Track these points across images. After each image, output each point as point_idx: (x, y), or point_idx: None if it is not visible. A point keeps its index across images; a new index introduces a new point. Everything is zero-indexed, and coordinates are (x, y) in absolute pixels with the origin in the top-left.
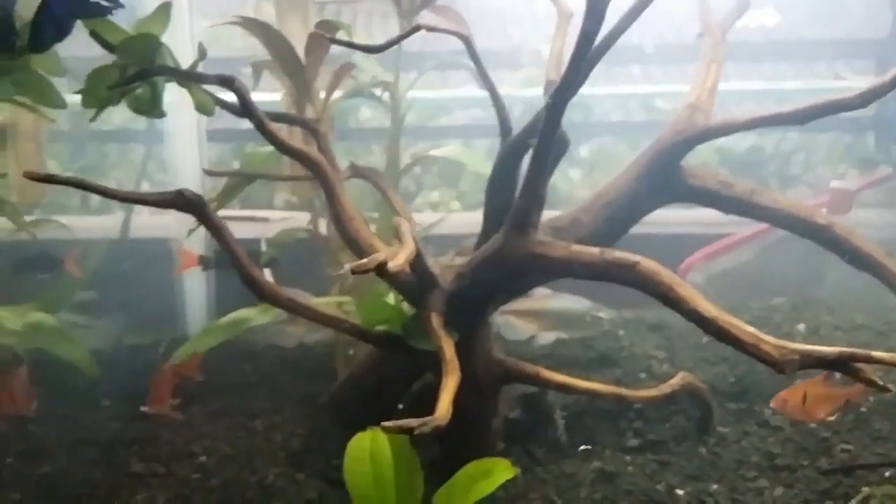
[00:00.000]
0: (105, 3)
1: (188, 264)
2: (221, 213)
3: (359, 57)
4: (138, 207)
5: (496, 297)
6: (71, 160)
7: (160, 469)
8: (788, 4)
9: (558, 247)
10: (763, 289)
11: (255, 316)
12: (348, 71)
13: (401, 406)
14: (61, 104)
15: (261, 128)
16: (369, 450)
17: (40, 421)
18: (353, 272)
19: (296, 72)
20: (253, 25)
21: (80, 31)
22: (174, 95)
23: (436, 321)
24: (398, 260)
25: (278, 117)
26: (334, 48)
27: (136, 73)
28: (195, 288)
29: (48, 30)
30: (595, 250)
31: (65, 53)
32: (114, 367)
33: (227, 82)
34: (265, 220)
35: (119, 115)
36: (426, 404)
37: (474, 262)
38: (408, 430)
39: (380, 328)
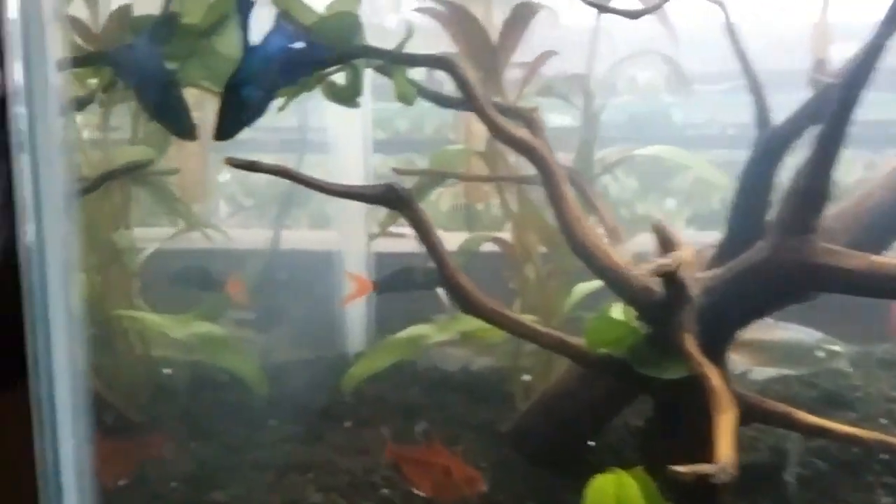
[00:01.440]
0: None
1: (362, 291)
2: None
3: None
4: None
5: (751, 316)
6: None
7: (341, 502)
8: None
9: (854, 257)
10: None
11: (433, 333)
12: (545, 59)
13: (592, 443)
14: None
15: (481, 113)
16: (614, 496)
17: (206, 439)
18: (656, 274)
19: (489, 62)
20: (447, 9)
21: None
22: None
23: (690, 343)
24: (686, 259)
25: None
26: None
27: (338, 54)
28: (357, 305)
29: (237, 115)
30: None
31: None
32: (277, 384)
33: (446, 64)
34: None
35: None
36: (668, 442)
37: (730, 274)
38: (690, 476)
39: (602, 351)
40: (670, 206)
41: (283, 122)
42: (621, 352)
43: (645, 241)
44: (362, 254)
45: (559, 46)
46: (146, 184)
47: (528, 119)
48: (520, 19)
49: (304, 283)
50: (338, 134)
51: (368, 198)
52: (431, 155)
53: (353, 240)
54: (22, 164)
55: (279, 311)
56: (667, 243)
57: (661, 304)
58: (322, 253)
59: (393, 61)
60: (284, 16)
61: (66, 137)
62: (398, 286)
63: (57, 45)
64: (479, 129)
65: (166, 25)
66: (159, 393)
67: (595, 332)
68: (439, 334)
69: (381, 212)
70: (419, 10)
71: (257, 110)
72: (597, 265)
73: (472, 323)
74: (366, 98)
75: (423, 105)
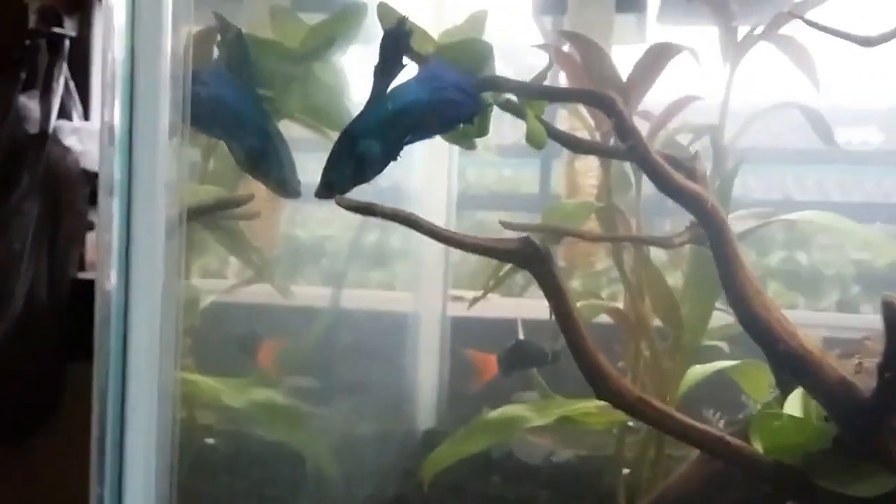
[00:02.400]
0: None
1: (489, 372)
2: None
3: None
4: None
5: None
6: None
7: None
8: None
9: None
10: None
11: (531, 416)
12: (686, 104)
13: None
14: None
15: (645, 159)
16: None
17: None
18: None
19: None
20: (573, 45)
21: None
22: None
23: None
24: None
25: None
26: None
27: (479, 82)
28: (428, 374)
29: (349, 170)
30: None
31: None
32: (339, 464)
33: (603, 101)
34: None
35: None
36: None
37: None
38: None
39: (771, 457)
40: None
41: None
42: (794, 459)
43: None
44: (438, 317)
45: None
46: (216, 228)
47: (689, 169)
48: (656, 60)
49: (372, 349)
50: (422, 186)
51: (500, 253)
52: (544, 210)
53: (429, 303)
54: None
55: (343, 379)
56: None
57: (866, 404)
58: (395, 315)
59: (538, 96)
60: (441, 60)
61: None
62: (516, 364)
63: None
64: (585, 181)
65: (238, 45)
66: (199, 465)
67: (772, 434)
68: (538, 417)
69: (462, 272)
70: (539, 46)
71: (374, 168)
72: (778, 348)
73: (574, 406)
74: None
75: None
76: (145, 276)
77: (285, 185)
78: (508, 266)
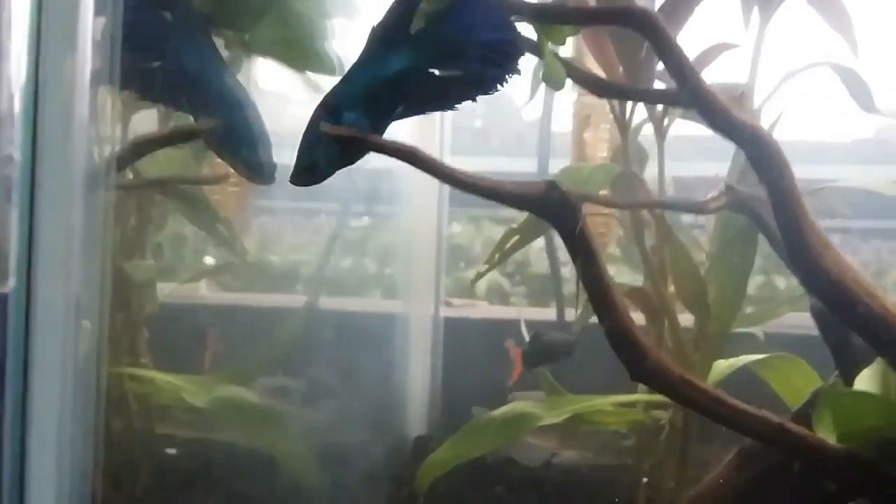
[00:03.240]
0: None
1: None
2: None
3: None
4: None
5: None
6: None
7: None
8: None
9: None
10: None
11: (542, 414)
12: (717, 54)
13: None
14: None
15: (697, 87)
16: None
17: None
18: None
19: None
20: None
21: None
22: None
23: None
24: None
25: None
26: None
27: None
28: (419, 376)
29: (330, 151)
30: None
31: None
32: (325, 472)
33: (644, 21)
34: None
35: None
36: None
37: None
38: None
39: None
40: None
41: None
42: (870, 446)
43: None
44: (430, 318)
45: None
46: (177, 196)
47: (739, 109)
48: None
49: (355, 351)
50: (410, 180)
51: (519, 198)
52: (557, 173)
53: (420, 304)
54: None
55: (328, 380)
56: None
57: None
58: (382, 315)
59: (561, 20)
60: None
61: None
62: (541, 358)
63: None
64: (595, 154)
65: None
66: (161, 479)
67: (845, 415)
68: (549, 415)
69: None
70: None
71: (358, 149)
72: (857, 311)
73: (588, 403)
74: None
75: None
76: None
77: (258, 168)
78: (515, 238)
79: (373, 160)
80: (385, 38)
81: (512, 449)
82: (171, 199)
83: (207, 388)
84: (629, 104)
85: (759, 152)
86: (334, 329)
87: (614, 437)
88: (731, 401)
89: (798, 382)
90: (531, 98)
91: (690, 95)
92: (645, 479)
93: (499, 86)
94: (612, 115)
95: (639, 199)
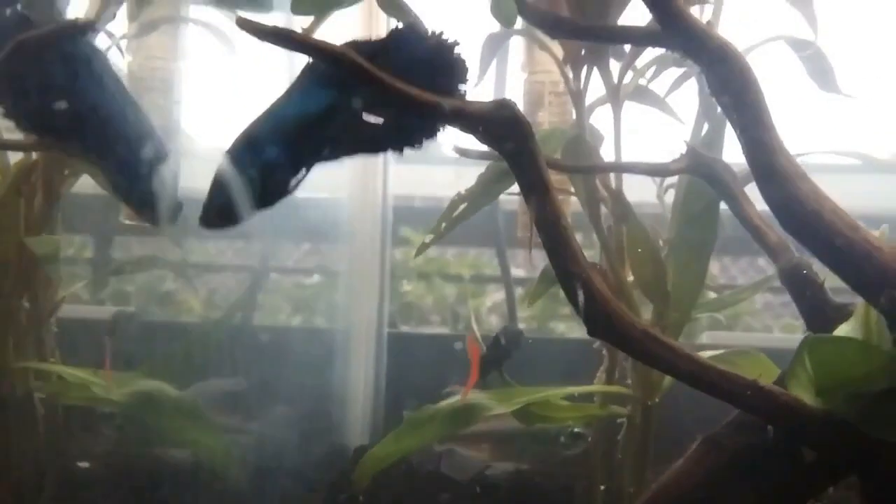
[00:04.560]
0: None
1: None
2: None
3: None
4: None
5: None
6: None
7: None
8: None
9: None
10: None
11: (492, 404)
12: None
13: None
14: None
15: None
16: None
17: None
18: None
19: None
20: None
21: None
22: None
23: None
24: None
25: None
26: None
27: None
28: (361, 389)
29: (246, 190)
30: None
31: None
32: (255, 477)
33: None
34: None
35: None
36: None
37: None
38: None
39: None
40: None
41: None
42: (852, 402)
43: None
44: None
45: None
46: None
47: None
48: None
49: (294, 362)
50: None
51: (472, 117)
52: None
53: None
54: None
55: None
56: None
57: None
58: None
59: None
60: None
61: None
62: (500, 358)
63: None
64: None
65: None
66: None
67: (825, 363)
68: (500, 405)
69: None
70: None
71: (279, 187)
72: (836, 243)
73: (541, 394)
74: None
75: None
76: None
77: (148, 210)
78: (461, 208)
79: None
80: (317, 73)
81: (442, 461)
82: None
83: (123, 384)
84: (582, 77)
85: (726, 67)
86: (267, 341)
87: (552, 447)
88: (699, 358)
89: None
90: (481, 77)
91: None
92: (602, 487)
93: (426, 140)
94: (566, 89)
95: (595, 163)
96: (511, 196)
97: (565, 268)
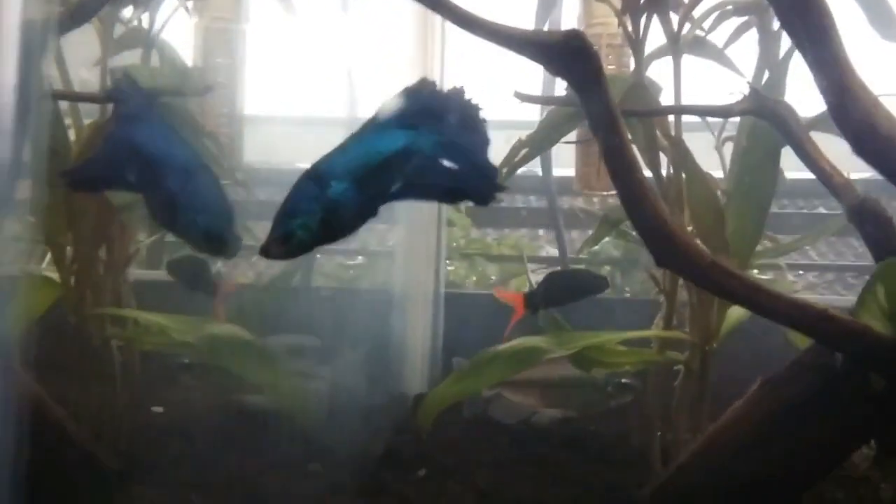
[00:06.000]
0: None
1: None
2: None
3: None
4: None
5: None
6: None
7: None
8: None
9: None
10: None
11: (549, 346)
12: None
13: None
14: None
15: None
16: None
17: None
18: None
19: None
20: None
21: None
22: None
23: None
24: None
25: None
26: None
27: None
28: (417, 335)
29: (311, 222)
30: None
31: None
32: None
33: None
34: None
35: None
36: None
37: None
38: None
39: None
40: None
41: None
42: None
43: None
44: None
45: None
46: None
47: None
48: None
49: (354, 315)
50: None
51: (538, 46)
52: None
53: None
54: None
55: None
56: None
57: None
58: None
59: None
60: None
61: None
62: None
63: None
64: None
65: None
66: (148, 432)
67: None
68: (559, 348)
69: None
70: None
71: (345, 223)
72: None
73: (599, 338)
74: None
75: None
76: None
77: (207, 240)
78: (522, 153)
79: None
80: (390, 118)
81: (490, 407)
82: None
83: (198, 327)
84: (641, 26)
85: None
86: (331, 300)
87: (596, 395)
88: (768, 287)
89: None
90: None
91: None
92: (658, 434)
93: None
94: (623, 41)
95: (655, 106)
96: None
97: (634, 205)
